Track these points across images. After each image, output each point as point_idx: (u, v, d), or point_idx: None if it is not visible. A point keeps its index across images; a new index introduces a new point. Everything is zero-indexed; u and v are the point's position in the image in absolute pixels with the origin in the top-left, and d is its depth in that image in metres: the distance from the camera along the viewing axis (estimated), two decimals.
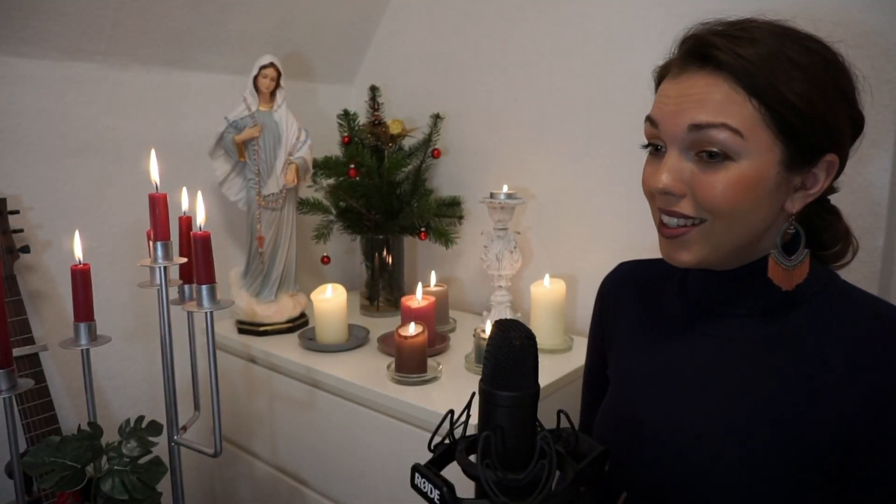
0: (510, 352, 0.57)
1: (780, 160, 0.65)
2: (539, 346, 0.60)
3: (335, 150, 1.62)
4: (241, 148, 1.40)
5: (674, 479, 0.72)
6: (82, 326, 0.91)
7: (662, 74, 0.73)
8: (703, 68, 0.66)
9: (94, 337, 0.93)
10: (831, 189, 0.74)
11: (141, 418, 0.97)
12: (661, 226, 0.72)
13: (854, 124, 0.70)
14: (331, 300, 1.36)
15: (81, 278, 0.90)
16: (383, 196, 1.58)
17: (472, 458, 0.60)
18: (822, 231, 0.75)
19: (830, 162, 0.67)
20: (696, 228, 0.69)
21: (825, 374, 0.67)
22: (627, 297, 0.89)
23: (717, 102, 0.64)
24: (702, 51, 0.66)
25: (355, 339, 1.40)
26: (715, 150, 0.65)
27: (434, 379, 1.19)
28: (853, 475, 0.65)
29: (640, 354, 0.83)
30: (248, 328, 1.46)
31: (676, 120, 0.67)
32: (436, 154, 1.62)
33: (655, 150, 0.72)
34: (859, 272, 1.08)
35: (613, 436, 0.80)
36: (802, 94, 0.63)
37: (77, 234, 0.94)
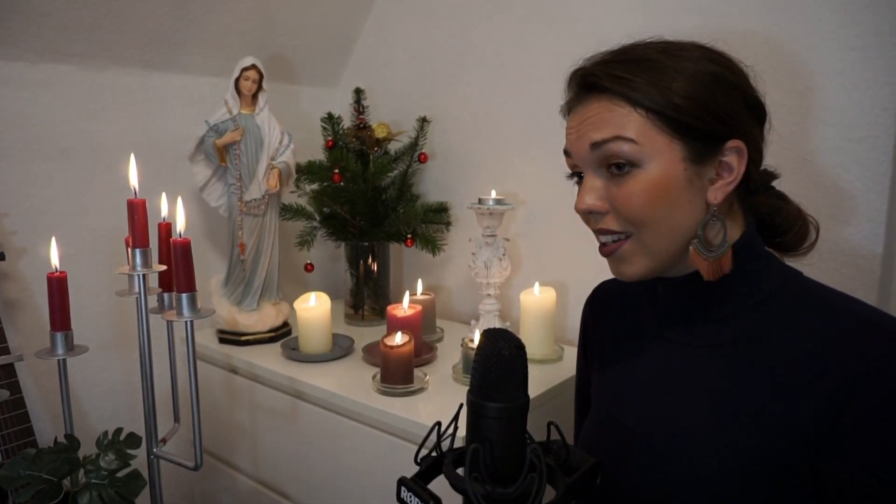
0: (499, 362, 0.57)
1: (683, 157, 0.70)
2: (529, 356, 0.60)
3: (319, 155, 1.61)
4: (222, 152, 1.38)
5: (652, 490, 0.74)
6: (59, 336, 0.90)
7: (567, 111, 0.80)
8: (590, 94, 0.74)
9: (70, 347, 0.92)
10: (770, 175, 0.79)
11: (119, 430, 0.97)
12: (600, 247, 0.78)
13: (751, 108, 0.74)
14: (314, 309, 1.34)
15: (58, 286, 0.90)
16: (368, 202, 1.57)
17: (460, 471, 0.59)
18: (773, 216, 0.78)
19: (737, 147, 0.71)
20: (627, 242, 0.74)
21: (791, 373, 0.68)
22: (607, 315, 0.93)
23: (608, 120, 0.71)
24: (586, 80, 0.74)
25: (339, 349, 1.38)
26: (620, 161, 0.71)
27: (421, 390, 1.18)
28: (827, 474, 0.66)
29: (619, 368, 0.86)
30: (230, 337, 1.44)
31: (580, 144, 0.74)
32: (422, 158, 1.61)
33: (579, 178, 0.78)
34: (858, 280, 1.08)
35: (594, 449, 0.80)
36: (682, 93, 0.68)
37: (53, 240, 0.94)
